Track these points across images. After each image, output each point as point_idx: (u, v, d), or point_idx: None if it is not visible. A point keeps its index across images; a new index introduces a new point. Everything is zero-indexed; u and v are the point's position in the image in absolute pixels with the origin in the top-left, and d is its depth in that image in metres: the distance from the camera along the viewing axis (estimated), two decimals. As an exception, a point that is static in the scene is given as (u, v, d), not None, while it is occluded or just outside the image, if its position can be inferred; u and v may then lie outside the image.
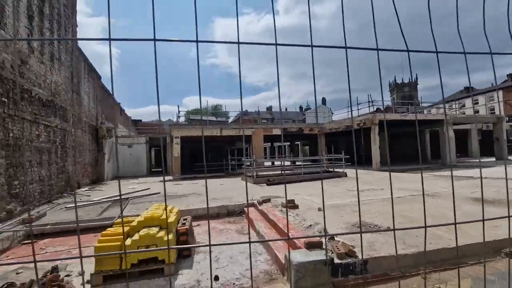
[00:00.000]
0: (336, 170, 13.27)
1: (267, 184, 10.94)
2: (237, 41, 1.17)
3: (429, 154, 21.19)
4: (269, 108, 66.80)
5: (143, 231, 3.88)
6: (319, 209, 5.88)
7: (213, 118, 38.56)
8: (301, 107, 70.73)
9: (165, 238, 3.81)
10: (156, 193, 9.70)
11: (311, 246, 3.53)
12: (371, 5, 1.24)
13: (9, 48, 6.76)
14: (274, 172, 14.33)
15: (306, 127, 19.39)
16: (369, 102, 16.41)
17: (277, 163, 24.26)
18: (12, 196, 6.59)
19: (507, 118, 23.75)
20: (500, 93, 41.95)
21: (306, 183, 10.85)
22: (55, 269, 3.74)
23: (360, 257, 3.36)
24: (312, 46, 1.22)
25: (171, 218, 4.45)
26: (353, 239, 3.99)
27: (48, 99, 8.88)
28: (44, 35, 8.79)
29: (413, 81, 69.20)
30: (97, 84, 16.52)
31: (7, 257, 4.81)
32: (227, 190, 9.95)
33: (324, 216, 1.57)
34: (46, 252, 4.89)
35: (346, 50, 1.26)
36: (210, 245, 1.10)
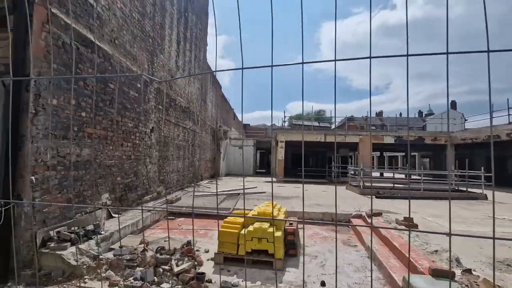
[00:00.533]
0: (470, 190, 10.73)
1: (376, 197, 9.97)
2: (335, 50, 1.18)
3: None
4: (379, 114, 60.48)
5: (257, 224, 4.28)
6: (446, 235, 4.91)
7: (316, 124, 38.16)
8: (420, 112, 60.72)
9: (276, 234, 4.09)
10: (262, 192, 10.46)
11: (437, 273, 3.03)
12: None
13: (165, 68, 8.84)
14: (384, 184, 12.89)
15: (429, 135, 16.52)
16: (527, 105, 12.50)
17: (387, 175, 21.69)
18: (160, 181, 8.55)
19: None
20: None
21: (427, 201, 9.26)
22: (189, 243, 4.62)
23: (513, 303, 2.64)
24: (448, 53, 1.08)
25: (281, 217, 4.72)
26: (501, 279, 3.16)
27: (186, 106, 11.06)
28: (185, 55, 11.02)
29: None
30: (218, 93, 19.30)
31: (157, 227, 6.28)
32: (330, 197, 9.67)
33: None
34: (182, 228, 6.11)
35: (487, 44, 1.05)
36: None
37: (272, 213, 1.97)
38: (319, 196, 9.79)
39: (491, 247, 4.23)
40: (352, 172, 13.44)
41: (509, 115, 13.81)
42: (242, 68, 1.34)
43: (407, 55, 1.09)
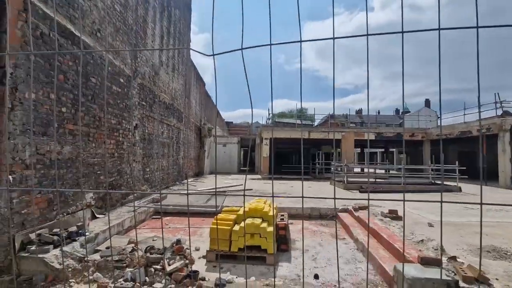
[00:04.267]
0: (446, 183, 11.31)
1: (360, 191, 10.26)
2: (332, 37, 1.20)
3: None
4: (359, 111, 62.29)
5: (249, 220, 4.26)
6: (430, 225, 5.16)
7: (299, 121, 38.64)
8: (397, 110, 63.19)
9: (268, 229, 4.09)
10: (249, 189, 10.44)
11: (426, 262, 3.16)
12: None
13: (148, 63, 8.56)
14: (367, 180, 13.31)
15: (407, 132, 17.23)
16: (495, 103, 13.35)
17: (367, 170, 22.40)
18: (145, 180, 8.30)
19: None
20: None
21: (409, 194, 9.66)
22: (179, 241, 4.52)
23: (495, 286, 2.81)
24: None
25: (272, 212, 4.73)
26: (482, 264, 3.35)
27: (169, 103, 10.78)
28: (169, 51, 10.73)
29: None
30: (201, 90, 19.01)
31: (144, 227, 6.10)
32: (316, 193, 9.84)
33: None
34: (170, 227, 5.97)
35: (439, 32, 1.10)
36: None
37: (274, 213, 1.96)
38: (305, 193, 9.93)
39: (471, 236, 4.48)
40: (338, 168, 13.76)
41: (480, 112, 14.68)
42: (242, 49, 1.31)
43: (402, 32, 1.11)
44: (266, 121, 26.05)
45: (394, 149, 29.14)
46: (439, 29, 1.09)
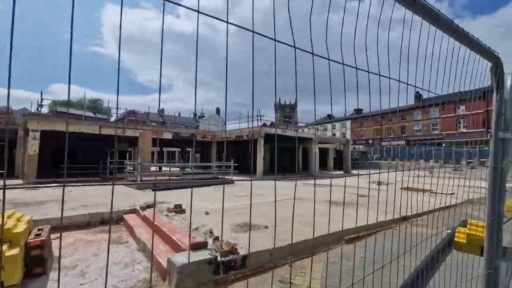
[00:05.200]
0: (225, 177, 13.83)
1: (153, 190, 10.20)
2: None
3: (301, 166, 25.20)
4: (161, 111, 62.96)
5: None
6: (206, 213, 5.97)
7: (91, 114, 32.87)
8: (195, 114, 70.25)
9: (9, 253, 2.96)
10: (-7, 201, 7.31)
11: (196, 247, 3.55)
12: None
13: None
14: (162, 178, 13.53)
15: (200, 133, 19.40)
16: (258, 115, 18.12)
17: (166, 168, 22.96)
18: None
19: (352, 142, 31.35)
20: (349, 122, 55.00)
21: (197, 189, 10.80)
22: None
23: (241, 253, 3.64)
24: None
25: (18, 228, 3.48)
26: (235, 238, 4.27)
27: None
28: None
29: (293, 104, 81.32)
30: None
31: None
32: (103, 196, 8.63)
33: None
34: None
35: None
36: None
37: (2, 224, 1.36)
38: (90, 196, 8.41)
39: (236, 216, 5.62)
40: (132, 167, 12.90)
41: (248, 122, 19.45)
42: None
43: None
44: (39, 108, 19.81)
45: (190, 149, 31.99)
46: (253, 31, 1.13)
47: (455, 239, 3.59)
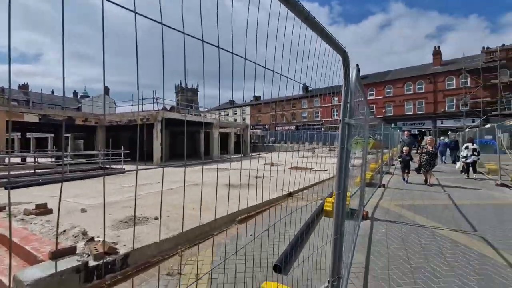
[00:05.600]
0: (114, 166, 12.18)
1: (5, 188, 7.91)
2: None
3: (203, 151, 25.01)
4: (25, 87, 49.32)
5: None
6: (83, 210, 5.06)
7: None
8: (76, 93, 58.65)
9: None
10: None
11: (59, 254, 2.91)
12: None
13: None
14: (25, 172, 10.69)
15: (80, 116, 16.26)
16: (153, 98, 16.64)
17: (30, 159, 18.32)
18: None
19: (251, 126, 33.33)
20: (249, 108, 58.05)
21: (75, 182, 9.06)
22: None
23: (122, 252, 3.23)
24: None
25: None
26: (117, 235, 3.77)
27: None
28: None
29: (195, 87, 79.06)
30: None
31: None
32: None
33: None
34: None
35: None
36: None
37: None
38: None
39: (118, 212, 4.98)
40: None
41: (143, 104, 17.59)
42: None
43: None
44: None
45: (69, 135, 26.61)
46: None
47: (324, 208, 4.22)
